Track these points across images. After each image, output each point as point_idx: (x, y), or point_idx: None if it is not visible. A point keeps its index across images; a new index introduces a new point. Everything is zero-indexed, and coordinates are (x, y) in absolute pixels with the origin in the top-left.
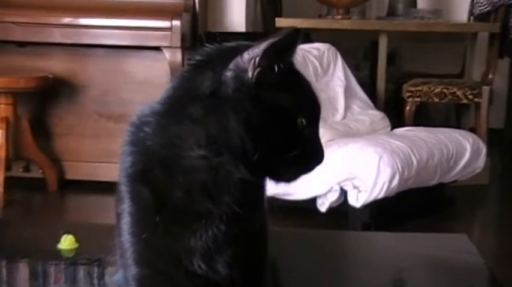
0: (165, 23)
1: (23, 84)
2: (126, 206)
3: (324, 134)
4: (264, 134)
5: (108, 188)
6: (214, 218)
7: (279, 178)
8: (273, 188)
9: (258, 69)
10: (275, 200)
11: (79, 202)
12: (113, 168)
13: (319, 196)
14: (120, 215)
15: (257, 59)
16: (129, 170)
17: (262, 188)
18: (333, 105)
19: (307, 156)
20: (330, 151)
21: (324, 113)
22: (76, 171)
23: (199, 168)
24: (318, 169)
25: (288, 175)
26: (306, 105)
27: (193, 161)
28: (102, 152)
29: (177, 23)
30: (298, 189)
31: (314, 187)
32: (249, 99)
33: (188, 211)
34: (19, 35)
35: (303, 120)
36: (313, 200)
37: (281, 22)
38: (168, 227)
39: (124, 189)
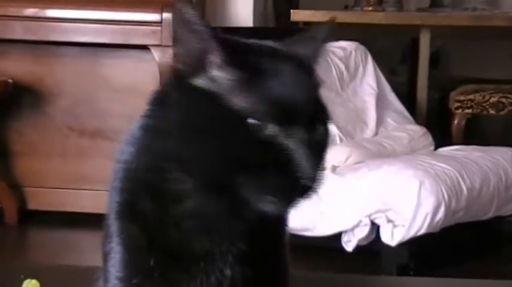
0: (153, 16)
1: None
2: (114, 245)
3: (350, 154)
4: (210, 143)
5: (79, 220)
6: (216, 260)
7: (263, 204)
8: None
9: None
10: (291, 237)
11: (43, 237)
12: (86, 196)
13: (345, 232)
14: (107, 255)
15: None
16: (115, 201)
17: (276, 217)
18: (362, 119)
19: (281, 171)
20: (358, 176)
21: (350, 128)
22: (40, 200)
23: (188, 194)
24: (342, 198)
25: (270, 198)
26: (263, 101)
27: (179, 185)
28: (72, 177)
29: (168, 16)
30: (319, 223)
31: (338, 220)
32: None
33: (184, 252)
34: None
35: (257, 121)
36: (337, 237)
37: (297, 15)
38: (162, 271)
39: (111, 224)
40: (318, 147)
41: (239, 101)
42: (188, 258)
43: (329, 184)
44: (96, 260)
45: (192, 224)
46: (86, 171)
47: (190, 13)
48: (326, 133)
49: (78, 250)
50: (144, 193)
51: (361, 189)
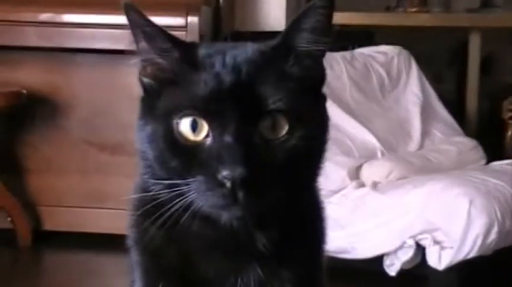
0: (177, 20)
1: None
2: (135, 277)
3: (392, 169)
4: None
5: (99, 242)
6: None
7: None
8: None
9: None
10: (328, 260)
11: (60, 261)
12: (106, 216)
13: (388, 254)
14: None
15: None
16: (130, 230)
17: (303, 238)
18: (405, 130)
19: (205, 172)
20: (402, 193)
21: (392, 141)
22: (56, 220)
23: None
24: (384, 217)
25: (199, 200)
26: (184, 98)
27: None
28: (91, 195)
29: (194, 19)
30: (359, 245)
31: (380, 241)
32: None
33: (191, 281)
34: None
35: (177, 121)
36: (379, 260)
37: (334, 18)
38: None
39: (131, 254)
40: (249, 140)
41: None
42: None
43: (369, 202)
44: None
45: (193, 249)
46: (106, 189)
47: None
48: (275, 127)
49: (98, 275)
50: (149, 218)
51: (405, 207)
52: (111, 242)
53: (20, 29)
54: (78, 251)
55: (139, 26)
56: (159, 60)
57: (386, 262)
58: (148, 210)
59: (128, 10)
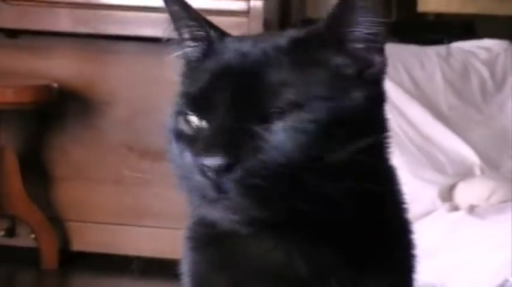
0: (238, 4)
1: (10, 96)
2: None
3: (494, 190)
4: None
5: (136, 266)
6: None
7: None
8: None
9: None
10: None
11: None
12: (146, 235)
13: None
14: None
15: None
16: (183, 254)
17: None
18: (510, 143)
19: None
20: (504, 219)
21: (495, 155)
22: (87, 238)
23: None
24: (482, 248)
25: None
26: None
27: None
28: (129, 210)
29: (257, 4)
30: (450, 280)
31: (476, 277)
32: None
33: None
34: (8, 19)
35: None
36: None
37: (426, 5)
38: None
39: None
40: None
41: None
42: None
43: (465, 229)
44: None
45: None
46: (147, 202)
47: None
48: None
49: None
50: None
51: (508, 237)
52: (151, 267)
53: (51, 10)
54: (110, 276)
55: (182, 17)
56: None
57: None
58: (193, 229)
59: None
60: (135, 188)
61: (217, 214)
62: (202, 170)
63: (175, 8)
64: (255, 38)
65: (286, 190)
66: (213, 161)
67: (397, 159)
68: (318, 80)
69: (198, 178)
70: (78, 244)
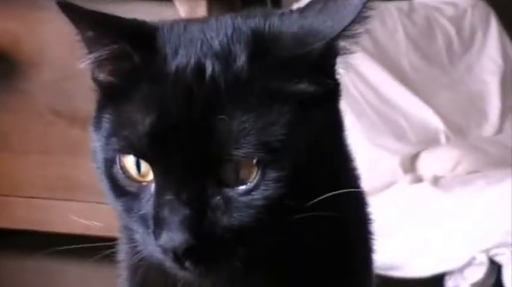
0: None
1: None
2: None
3: (460, 159)
4: None
5: (65, 246)
6: None
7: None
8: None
9: None
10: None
11: (13, 269)
12: (76, 210)
13: (451, 273)
14: None
15: None
16: (121, 240)
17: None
18: (479, 109)
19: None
20: (472, 192)
21: (461, 122)
22: (12, 215)
23: None
24: (447, 223)
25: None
26: (124, 125)
27: None
28: (57, 182)
29: None
30: (413, 259)
31: (441, 256)
32: None
33: None
34: None
35: (118, 156)
36: (438, 281)
37: None
38: None
39: (121, 271)
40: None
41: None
42: None
43: (428, 203)
44: None
45: None
46: (77, 174)
47: None
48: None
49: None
50: None
51: (476, 211)
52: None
53: None
54: (38, 256)
55: (82, 17)
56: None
57: (449, 283)
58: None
59: (63, 8)
60: (64, 159)
61: (180, 275)
62: (161, 248)
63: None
64: (196, 48)
65: (249, 245)
66: (173, 243)
67: (354, 125)
68: (282, 119)
69: (154, 251)
70: (3, 221)
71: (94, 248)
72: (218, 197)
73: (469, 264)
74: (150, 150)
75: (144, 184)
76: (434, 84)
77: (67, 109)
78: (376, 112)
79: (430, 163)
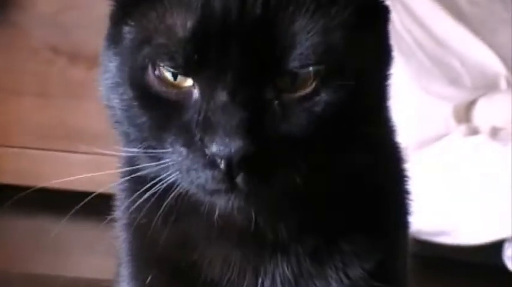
0: None
1: None
2: (121, 258)
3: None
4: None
5: (63, 203)
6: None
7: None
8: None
9: None
10: (417, 246)
11: (4, 227)
12: (78, 163)
13: (510, 241)
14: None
15: None
16: (118, 195)
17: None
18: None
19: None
20: None
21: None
22: (4, 167)
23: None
24: (506, 183)
25: (181, 179)
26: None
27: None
28: (55, 131)
29: None
30: (465, 225)
31: (497, 221)
32: None
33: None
34: None
35: (160, 66)
36: (495, 249)
37: None
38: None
39: (117, 229)
40: (262, 111)
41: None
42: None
43: (486, 158)
44: (86, 268)
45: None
46: (78, 122)
47: None
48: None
49: (61, 248)
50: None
51: None
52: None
53: None
54: (33, 214)
55: None
56: None
57: (508, 251)
58: (136, 180)
59: None
60: (64, 103)
61: (222, 204)
62: (211, 160)
63: None
64: None
65: (302, 161)
66: (229, 149)
67: (402, 68)
68: (342, 25)
69: (196, 169)
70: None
71: (96, 207)
72: (276, 102)
73: None
74: (195, 55)
75: (185, 89)
76: (494, 20)
77: (67, 45)
78: (426, 53)
79: (488, 112)
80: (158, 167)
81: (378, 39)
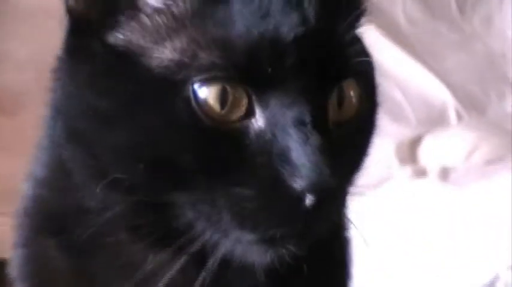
0: None
1: None
2: None
3: (477, 144)
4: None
5: None
6: None
7: (237, 250)
8: None
9: None
10: None
11: None
12: None
13: None
14: None
15: None
16: (16, 251)
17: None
18: (501, 75)
19: (260, 181)
20: (493, 188)
21: (478, 93)
22: None
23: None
24: (461, 230)
25: (248, 237)
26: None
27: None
28: None
29: None
30: (414, 280)
31: (452, 275)
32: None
33: None
34: None
35: (197, 85)
36: None
37: None
38: None
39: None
40: (341, 136)
41: (164, 54)
42: None
43: (434, 203)
44: None
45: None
46: None
47: None
48: (362, 108)
49: None
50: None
51: (499, 214)
52: None
53: None
54: None
55: None
56: None
57: None
58: (59, 222)
59: None
60: None
61: (265, 258)
62: (296, 197)
63: None
64: None
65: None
66: (323, 180)
67: None
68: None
69: (275, 203)
70: None
71: None
72: (336, 128)
73: (491, 283)
74: (269, 68)
75: (232, 120)
76: (440, 43)
77: None
78: None
79: (436, 150)
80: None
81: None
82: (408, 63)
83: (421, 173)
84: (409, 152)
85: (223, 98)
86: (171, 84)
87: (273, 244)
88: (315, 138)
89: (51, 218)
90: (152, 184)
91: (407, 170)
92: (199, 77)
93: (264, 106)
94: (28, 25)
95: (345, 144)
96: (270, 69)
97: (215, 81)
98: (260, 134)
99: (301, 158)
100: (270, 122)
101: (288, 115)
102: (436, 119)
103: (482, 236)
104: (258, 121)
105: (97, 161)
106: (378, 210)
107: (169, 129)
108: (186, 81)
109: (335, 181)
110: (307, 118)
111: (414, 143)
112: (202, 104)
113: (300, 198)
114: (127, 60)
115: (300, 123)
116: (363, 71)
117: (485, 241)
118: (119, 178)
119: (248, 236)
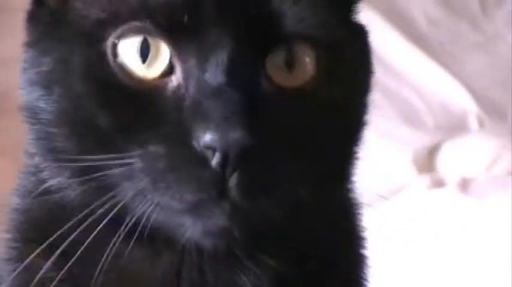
0: None
1: None
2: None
3: (500, 153)
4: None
5: None
6: None
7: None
8: None
9: None
10: None
11: None
12: None
13: None
14: None
15: None
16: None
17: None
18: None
19: (174, 143)
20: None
21: (500, 99)
22: None
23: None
24: (480, 244)
25: (152, 196)
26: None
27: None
28: None
29: None
30: None
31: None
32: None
33: None
34: None
35: (114, 41)
36: None
37: None
38: None
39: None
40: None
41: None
42: None
43: (452, 215)
44: None
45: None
46: None
47: None
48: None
49: None
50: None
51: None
52: None
53: None
54: None
55: None
56: None
57: None
58: (45, 228)
59: None
60: None
61: (197, 228)
62: (201, 156)
63: None
64: None
65: (301, 179)
66: (227, 140)
67: None
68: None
69: (185, 169)
70: None
71: None
72: (275, 92)
73: None
74: (185, 16)
75: (153, 79)
76: (461, 45)
77: None
78: (379, 87)
79: (456, 158)
80: (98, 185)
81: (364, 50)
82: (427, 66)
83: (439, 183)
84: (427, 161)
85: (144, 51)
86: (93, 41)
87: (198, 214)
88: (231, 93)
89: (37, 229)
90: (82, 149)
91: (425, 179)
92: (118, 31)
93: (184, 61)
94: (13, 22)
95: (299, 117)
96: (186, 19)
97: (134, 33)
98: (176, 90)
99: (210, 112)
100: (187, 76)
101: (204, 68)
102: (455, 126)
103: (502, 248)
104: (178, 77)
105: (46, 134)
106: (393, 221)
107: (90, 88)
108: (106, 38)
109: (251, 142)
110: (225, 71)
111: (432, 151)
112: (121, 62)
113: (205, 156)
114: (68, 24)
115: (215, 77)
116: (330, 42)
117: (505, 254)
118: (59, 147)
119: (172, 203)
